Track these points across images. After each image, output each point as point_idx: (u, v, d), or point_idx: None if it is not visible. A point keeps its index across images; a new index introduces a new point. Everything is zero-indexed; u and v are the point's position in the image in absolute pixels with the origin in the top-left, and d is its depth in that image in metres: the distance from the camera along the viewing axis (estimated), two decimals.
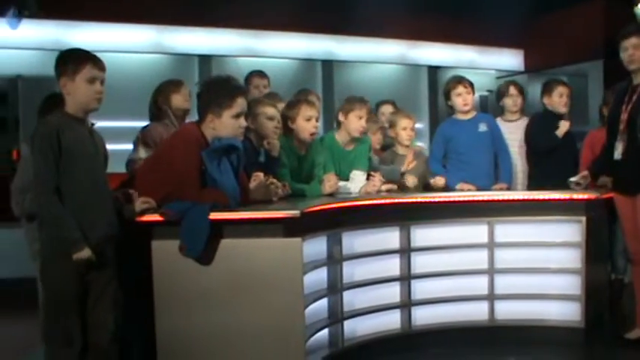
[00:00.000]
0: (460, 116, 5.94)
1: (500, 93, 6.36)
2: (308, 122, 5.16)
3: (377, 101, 7.07)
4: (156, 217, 3.85)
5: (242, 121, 4.15)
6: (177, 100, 5.57)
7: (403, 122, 5.92)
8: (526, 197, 5.44)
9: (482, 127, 5.90)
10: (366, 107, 5.67)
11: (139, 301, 3.95)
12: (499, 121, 6.18)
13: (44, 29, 9.17)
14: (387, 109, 6.79)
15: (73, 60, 3.73)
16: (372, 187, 5.37)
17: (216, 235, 3.85)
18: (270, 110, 4.94)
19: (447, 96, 5.97)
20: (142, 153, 5.15)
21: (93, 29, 9.38)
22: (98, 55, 3.84)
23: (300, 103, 5.26)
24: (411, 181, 5.66)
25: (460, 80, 5.93)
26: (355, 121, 5.49)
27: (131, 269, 3.87)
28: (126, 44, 9.73)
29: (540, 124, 6.05)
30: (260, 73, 6.50)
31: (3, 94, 9.80)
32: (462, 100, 5.87)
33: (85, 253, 3.59)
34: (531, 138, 6.06)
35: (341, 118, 5.53)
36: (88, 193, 3.66)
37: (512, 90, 6.33)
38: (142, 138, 5.30)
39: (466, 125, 5.89)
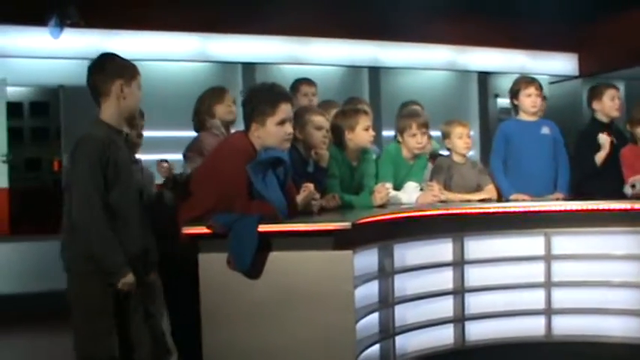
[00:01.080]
0: (523, 117, 5.94)
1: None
2: (367, 132, 5.22)
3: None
4: (203, 230, 3.86)
5: (288, 128, 4.13)
6: (221, 110, 5.54)
7: (458, 130, 5.85)
8: (585, 207, 5.35)
9: (545, 130, 5.89)
10: (422, 120, 5.63)
11: (187, 315, 3.96)
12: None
13: (86, 39, 9.29)
14: None
15: (129, 65, 3.78)
16: (432, 198, 5.35)
17: (265, 247, 3.84)
18: (318, 119, 4.93)
19: (515, 95, 5.95)
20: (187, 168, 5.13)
21: (135, 38, 9.50)
22: (140, 64, 3.88)
23: (359, 112, 5.30)
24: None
25: (532, 81, 5.93)
26: (411, 141, 5.53)
27: (178, 282, 3.89)
28: (169, 53, 9.83)
29: (586, 140, 6.01)
30: (308, 81, 6.47)
31: (45, 105, 9.95)
32: (531, 102, 5.87)
33: (130, 278, 3.63)
34: (574, 159, 6.01)
35: (400, 139, 5.59)
36: (129, 206, 3.69)
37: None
38: (192, 149, 5.29)
39: (528, 126, 5.89)
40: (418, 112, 6.01)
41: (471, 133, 11.14)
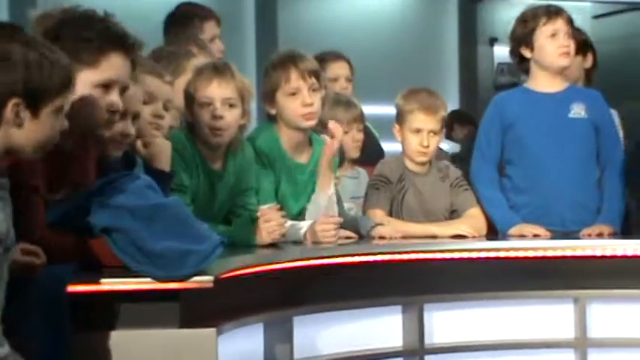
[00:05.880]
0: (537, 86, 6.01)
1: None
2: (205, 108, 5.21)
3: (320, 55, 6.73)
4: None
5: (114, 98, 4.02)
6: None
7: (419, 118, 5.83)
8: None
9: (578, 111, 5.97)
10: (309, 64, 5.62)
11: None
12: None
13: None
14: (339, 70, 6.93)
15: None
16: (324, 234, 5.38)
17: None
18: (148, 83, 4.90)
19: (525, 39, 5.95)
20: None
21: None
22: None
23: (201, 72, 5.32)
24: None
25: (558, 11, 5.93)
26: (290, 105, 5.53)
27: None
28: None
29: None
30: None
31: None
32: (559, 47, 5.87)
33: None
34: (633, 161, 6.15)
35: (270, 108, 5.60)
36: None
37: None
38: None
39: (547, 103, 5.99)
40: (298, 54, 5.76)
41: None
